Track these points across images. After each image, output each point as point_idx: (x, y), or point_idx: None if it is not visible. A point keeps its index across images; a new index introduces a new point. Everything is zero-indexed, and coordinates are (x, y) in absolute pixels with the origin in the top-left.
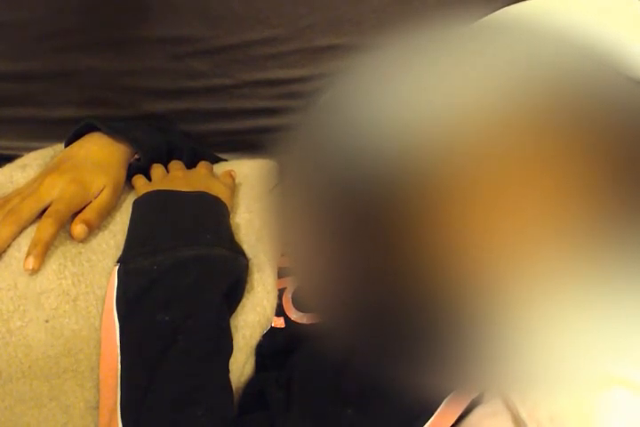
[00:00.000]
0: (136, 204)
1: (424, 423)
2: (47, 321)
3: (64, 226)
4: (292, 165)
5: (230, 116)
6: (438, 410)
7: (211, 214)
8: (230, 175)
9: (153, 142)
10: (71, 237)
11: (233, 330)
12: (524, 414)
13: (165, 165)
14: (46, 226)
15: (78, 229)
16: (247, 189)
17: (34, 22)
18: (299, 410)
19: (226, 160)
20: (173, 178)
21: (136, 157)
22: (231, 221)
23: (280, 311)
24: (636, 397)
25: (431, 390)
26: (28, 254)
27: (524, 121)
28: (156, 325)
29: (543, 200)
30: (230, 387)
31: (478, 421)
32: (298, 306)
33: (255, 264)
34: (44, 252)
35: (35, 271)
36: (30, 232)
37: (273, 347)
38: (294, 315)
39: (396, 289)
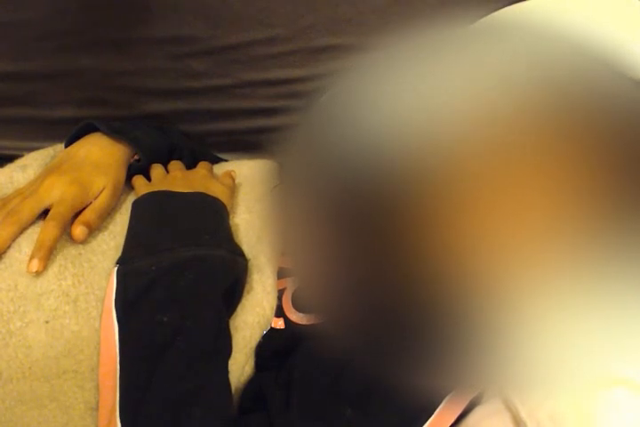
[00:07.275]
0: (135, 204)
1: (423, 423)
2: (47, 322)
3: (66, 228)
4: (292, 165)
5: (230, 116)
6: (437, 410)
7: (210, 215)
8: (230, 176)
9: (153, 143)
10: (71, 238)
11: (233, 331)
12: (523, 414)
13: (165, 166)
14: (50, 229)
15: (78, 230)
16: (247, 190)
17: (34, 22)
18: (298, 410)
19: (226, 160)
20: (173, 178)
21: (136, 157)
22: (231, 222)
23: (280, 312)
24: (636, 397)
25: (430, 390)
26: (32, 257)
27: (524, 121)
28: (155, 325)
29: (544, 201)
30: (230, 387)
31: (478, 420)
32: (298, 307)
33: (255, 265)
34: (48, 255)
35: (38, 274)
36: (31, 233)
37: (273, 348)
38: (294, 316)
39: (397, 289)
